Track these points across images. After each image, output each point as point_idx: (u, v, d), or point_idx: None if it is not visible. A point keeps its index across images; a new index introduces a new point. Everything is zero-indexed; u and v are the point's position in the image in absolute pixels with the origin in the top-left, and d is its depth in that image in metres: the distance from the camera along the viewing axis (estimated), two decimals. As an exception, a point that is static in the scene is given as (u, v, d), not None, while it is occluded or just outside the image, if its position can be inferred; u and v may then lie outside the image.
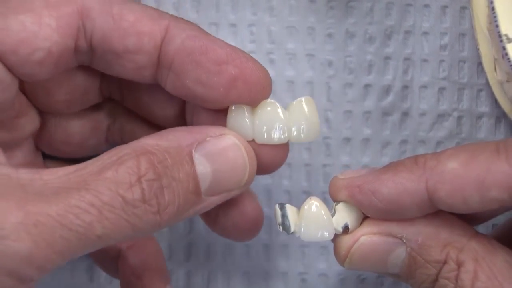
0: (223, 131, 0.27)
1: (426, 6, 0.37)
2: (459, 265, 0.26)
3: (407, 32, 0.37)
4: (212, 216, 0.30)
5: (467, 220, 0.28)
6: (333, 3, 0.37)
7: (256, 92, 0.27)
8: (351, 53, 0.37)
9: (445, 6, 0.37)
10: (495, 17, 0.33)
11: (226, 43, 0.27)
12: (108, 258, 0.32)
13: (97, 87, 0.30)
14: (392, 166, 0.27)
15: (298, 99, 0.28)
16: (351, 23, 0.37)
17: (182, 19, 0.27)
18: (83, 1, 0.26)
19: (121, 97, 0.31)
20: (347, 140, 0.37)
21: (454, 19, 0.37)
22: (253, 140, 0.28)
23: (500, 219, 0.32)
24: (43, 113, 0.30)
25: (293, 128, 0.28)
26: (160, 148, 0.25)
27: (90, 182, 0.24)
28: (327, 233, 0.28)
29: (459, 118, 0.37)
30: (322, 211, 0.28)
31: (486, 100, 0.37)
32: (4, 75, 0.26)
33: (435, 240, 0.27)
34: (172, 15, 0.27)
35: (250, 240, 0.31)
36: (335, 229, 0.28)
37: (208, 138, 0.26)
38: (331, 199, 0.29)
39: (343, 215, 0.28)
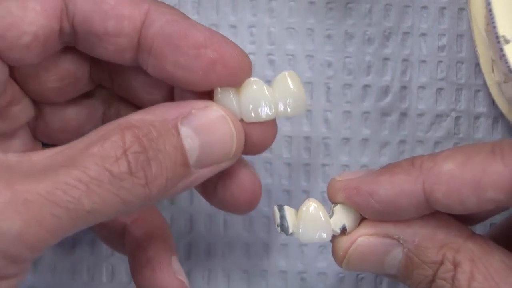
0: (208, 104, 0.27)
1: (424, 7, 0.37)
2: (456, 265, 0.26)
3: (405, 33, 0.37)
4: (210, 189, 0.30)
5: (464, 220, 0.28)
6: (332, 5, 0.37)
7: (236, 75, 0.27)
8: (350, 54, 0.37)
9: (443, 8, 0.37)
10: (492, 18, 0.33)
11: (206, 27, 0.27)
12: (114, 234, 0.32)
13: (87, 74, 0.30)
14: (389, 168, 0.27)
15: (281, 73, 0.28)
16: (350, 25, 0.37)
17: (163, 3, 0.28)
18: None
19: (111, 83, 0.31)
20: (346, 140, 0.37)
21: (452, 20, 0.37)
22: (242, 120, 0.28)
23: (497, 219, 0.32)
24: (38, 103, 0.30)
25: (279, 104, 0.28)
26: (145, 122, 0.25)
27: (77, 158, 0.24)
28: (325, 234, 0.28)
29: (457, 118, 0.37)
30: (320, 213, 0.28)
31: (484, 100, 0.37)
32: None
33: (431, 241, 0.27)
34: (153, 0, 0.27)
35: (249, 212, 0.30)
36: (333, 230, 0.28)
37: (193, 111, 0.26)
38: (329, 200, 0.29)
39: (341, 217, 0.28)
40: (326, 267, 0.37)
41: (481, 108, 0.37)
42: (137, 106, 0.31)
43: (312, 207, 0.28)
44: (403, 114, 0.37)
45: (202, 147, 0.26)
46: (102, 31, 0.27)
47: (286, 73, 0.28)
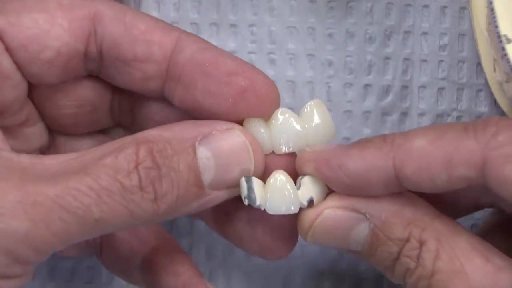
0: (230, 126, 0.27)
1: (426, 6, 0.37)
2: (421, 244, 0.26)
3: (406, 33, 0.37)
4: (248, 234, 0.30)
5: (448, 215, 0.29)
6: (333, 4, 0.37)
7: (266, 104, 0.27)
8: (351, 53, 0.37)
9: (445, 7, 0.37)
10: (494, 17, 0.33)
11: (236, 56, 0.27)
12: (132, 266, 0.31)
13: (107, 106, 0.30)
14: (360, 143, 0.27)
15: (308, 104, 0.28)
16: (351, 23, 0.37)
17: (192, 33, 0.28)
18: (96, 6, 0.26)
19: (130, 122, 0.30)
20: (347, 140, 0.37)
21: (454, 19, 0.37)
22: (272, 152, 0.28)
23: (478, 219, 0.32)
24: (52, 132, 0.30)
25: (309, 133, 0.28)
26: (162, 138, 0.25)
27: (90, 166, 0.24)
28: (293, 207, 0.28)
29: (458, 118, 0.37)
30: (288, 184, 0.28)
31: (485, 100, 0.37)
32: (14, 73, 0.26)
33: (398, 218, 0.26)
34: (182, 29, 0.27)
35: (283, 258, 0.30)
36: (300, 203, 0.28)
37: (214, 132, 0.26)
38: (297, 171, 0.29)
39: (308, 189, 0.28)
40: (327, 268, 0.37)
41: (483, 107, 0.37)
42: None
43: (279, 179, 0.28)
44: (404, 114, 0.37)
45: (218, 169, 0.26)
46: (131, 56, 0.27)
47: (312, 103, 0.28)
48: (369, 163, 0.26)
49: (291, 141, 0.28)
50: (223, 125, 0.27)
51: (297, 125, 0.28)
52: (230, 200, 0.28)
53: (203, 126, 0.26)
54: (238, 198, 0.28)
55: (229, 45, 0.37)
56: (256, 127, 0.28)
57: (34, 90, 0.28)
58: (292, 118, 0.28)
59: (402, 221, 0.26)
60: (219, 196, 0.27)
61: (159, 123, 0.29)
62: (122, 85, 0.28)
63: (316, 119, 0.28)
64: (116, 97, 0.30)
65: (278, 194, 0.28)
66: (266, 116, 0.28)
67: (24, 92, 0.27)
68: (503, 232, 0.30)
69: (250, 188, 0.27)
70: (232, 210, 0.30)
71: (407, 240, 0.26)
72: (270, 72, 0.37)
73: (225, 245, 0.37)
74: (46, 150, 0.30)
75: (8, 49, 0.25)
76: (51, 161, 0.24)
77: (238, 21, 0.37)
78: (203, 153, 0.26)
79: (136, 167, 0.24)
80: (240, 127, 0.27)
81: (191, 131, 0.26)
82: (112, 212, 0.24)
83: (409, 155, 0.25)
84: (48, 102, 0.29)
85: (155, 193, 0.24)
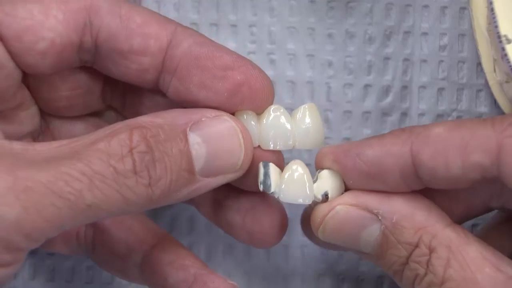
0: (219, 113, 0.27)
1: (426, 6, 0.37)
2: (431, 250, 0.26)
3: (406, 33, 0.37)
4: (238, 222, 0.30)
5: (458, 216, 0.28)
6: (333, 4, 0.37)
7: (260, 99, 0.27)
8: (351, 54, 0.37)
9: (445, 7, 0.37)
10: (494, 18, 0.33)
11: (232, 51, 0.27)
12: (131, 264, 0.31)
13: (99, 90, 0.30)
14: (379, 135, 0.28)
15: (302, 106, 0.29)
16: (351, 24, 0.37)
17: (188, 27, 0.28)
18: None
19: (122, 105, 0.31)
20: (347, 140, 0.37)
21: (454, 19, 0.37)
22: (258, 146, 0.28)
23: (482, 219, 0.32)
24: (46, 116, 0.30)
25: (297, 135, 0.28)
26: (154, 124, 0.25)
27: (82, 152, 0.24)
28: (307, 198, 0.28)
29: (458, 118, 0.37)
30: (305, 175, 0.28)
31: (485, 100, 0.37)
32: (7, 62, 0.26)
33: (409, 222, 0.27)
34: (178, 23, 0.28)
35: (271, 246, 0.31)
36: (315, 196, 0.28)
37: (203, 119, 0.26)
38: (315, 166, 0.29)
39: (324, 183, 0.28)
40: (327, 268, 0.37)
41: (483, 108, 0.37)
42: None
43: (297, 168, 0.28)
44: (404, 114, 0.37)
45: (209, 155, 0.26)
46: (127, 48, 0.27)
47: (307, 106, 0.29)
48: (386, 149, 0.26)
49: (278, 138, 0.28)
50: (212, 112, 0.27)
51: (287, 124, 0.28)
52: (221, 188, 0.28)
53: (193, 114, 0.26)
54: (228, 187, 0.28)
55: (229, 45, 0.37)
56: (247, 118, 0.28)
57: (29, 76, 0.28)
58: (283, 116, 0.28)
59: (413, 225, 0.26)
60: (209, 183, 0.27)
61: (150, 107, 0.29)
62: (117, 76, 0.28)
63: (307, 122, 0.28)
64: (108, 84, 0.30)
65: (293, 183, 0.28)
66: (260, 110, 0.28)
67: (18, 80, 0.27)
68: (508, 231, 0.30)
69: (266, 174, 0.28)
70: (222, 198, 0.30)
71: (417, 245, 0.26)
72: (270, 72, 0.37)
73: (225, 245, 0.37)
74: (39, 133, 0.30)
75: (2, 39, 0.26)
76: (43, 147, 0.24)
77: (238, 21, 0.37)
78: (194, 139, 0.26)
79: (130, 151, 0.24)
80: (229, 114, 0.27)
81: (182, 117, 0.26)
82: (105, 197, 0.23)
83: (426, 140, 0.26)
84: (42, 86, 0.29)
85: (149, 177, 0.24)
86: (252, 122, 0.28)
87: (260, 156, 0.28)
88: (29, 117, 0.29)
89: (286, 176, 0.28)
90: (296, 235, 0.37)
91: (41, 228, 0.23)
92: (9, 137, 0.29)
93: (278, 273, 0.37)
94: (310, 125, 0.28)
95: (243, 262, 0.37)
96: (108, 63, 0.27)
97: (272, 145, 0.28)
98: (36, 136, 0.31)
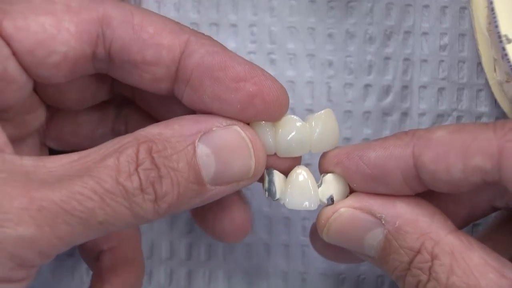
0: (230, 122, 0.27)
1: (426, 6, 0.37)
2: (433, 257, 0.26)
3: (406, 33, 0.37)
4: (203, 218, 0.31)
5: (464, 217, 0.28)
6: (334, 4, 0.37)
7: (274, 110, 0.27)
8: (351, 53, 0.37)
9: (445, 7, 0.37)
10: (494, 17, 0.33)
11: (245, 60, 0.27)
12: (91, 257, 0.32)
13: (109, 87, 0.30)
14: (382, 138, 0.28)
15: (319, 112, 0.29)
16: (351, 24, 0.37)
17: (202, 34, 0.28)
18: (104, 9, 0.26)
19: (132, 96, 0.31)
20: (347, 140, 0.37)
21: (454, 19, 0.37)
22: (275, 154, 0.28)
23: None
24: (52, 109, 0.30)
25: (313, 140, 0.28)
26: (162, 137, 0.25)
27: (93, 169, 0.24)
28: (312, 203, 0.28)
29: (459, 118, 0.37)
30: (309, 181, 0.28)
31: (486, 100, 0.37)
32: (19, 75, 0.26)
33: (412, 227, 0.27)
34: (193, 30, 0.27)
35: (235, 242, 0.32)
36: (320, 201, 0.28)
37: (214, 128, 0.26)
38: (319, 170, 0.29)
39: (329, 187, 0.28)
40: (327, 268, 0.37)
41: (483, 107, 0.37)
42: (150, 114, 0.31)
43: (301, 174, 0.28)
44: (404, 114, 0.37)
45: (218, 166, 0.26)
46: (140, 59, 0.27)
47: (323, 113, 0.29)
48: (389, 151, 0.26)
49: (294, 146, 0.28)
50: (223, 121, 0.27)
51: (303, 133, 0.28)
52: None
53: (203, 123, 0.26)
54: None
55: (229, 45, 0.37)
56: (262, 128, 0.28)
57: (39, 83, 0.28)
58: (299, 126, 0.28)
59: (415, 230, 0.26)
60: (221, 191, 0.27)
61: (160, 109, 0.29)
62: (132, 84, 0.28)
63: (324, 128, 0.28)
64: (118, 81, 0.30)
65: (298, 189, 0.28)
66: (275, 120, 0.28)
67: (30, 91, 0.27)
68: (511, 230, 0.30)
69: (270, 181, 0.28)
70: None
71: (419, 251, 0.26)
72: (270, 72, 0.36)
73: (225, 245, 0.37)
74: (45, 126, 0.30)
75: (15, 53, 0.26)
76: (54, 164, 0.24)
77: (238, 21, 0.37)
78: (203, 150, 0.26)
79: (136, 169, 0.24)
80: (241, 123, 0.27)
81: (191, 128, 0.26)
82: (116, 214, 0.24)
83: (428, 144, 0.26)
84: (52, 92, 0.29)
85: (155, 193, 0.25)
86: (267, 131, 0.28)
87: (277, 164, 0.28)
88: (36, 117, 0.29)
89: (291, 183, 0.28)
90: (296, 235, 0.37)
91: (54, 245, 0.23)
92: (17, 139, 0.29)
93: (278, 273, 0.37)
94: (326, 131, 0.28)
95: (243, 262, 0.37)
96: (122, 72, 0.27)
97: (288, 153, 0.28)
98: (42, 131, 0.31)
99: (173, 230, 0.37)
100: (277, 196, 0.28)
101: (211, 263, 0.37)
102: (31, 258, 0.23)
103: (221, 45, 0.28)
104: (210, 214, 0.31)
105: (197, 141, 0.26)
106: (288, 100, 0.28)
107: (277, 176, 0.28)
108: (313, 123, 0.28)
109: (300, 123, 0.28)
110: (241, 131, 0.27)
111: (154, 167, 0.25)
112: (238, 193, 0.30)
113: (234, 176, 0.27)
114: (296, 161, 0.29)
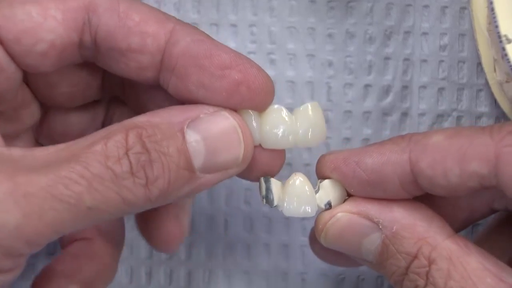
0: (217, 109, 0.27)
1: (426, 6, 0.37)
2: (431, 262, 0.26)
3: (406, 33, 0.37)
4: (144, 224, 0.31)
5: (463, 219, 0.28)
6: (333, 4, 0.37)
7: (259, 98, 0.27)
8: (351, 54, 0.37)
9: (445, 7, 0.37)
10: (494, 17, 0.33)
11: (231, 49, 0.27)
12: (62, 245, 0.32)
13: (99, 83, 0.30)
14: (379, 142, 0.28)
15: (305, 104, 0.28)
16: (351, 24, 0.37)
17: (188, 24, 0.28)
18: None
19: (122, 94, 0.31)
20: (347, 140, 0.37)
21: (454, 19, 0.37)
22: (259, 145, 0.28)
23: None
24: (44, 106, 0.30)
25: (299, 133, 0.28)
26: (150, 124, 0.25)
27: (80, 154, 0.24)
28: (310, 209, 0.28)
29: (459, 118, 0.37)
30: (306, 187, 0.28)
31: (486, 100, 0.37)
32: (8, 64, 0.26)
33: (409, 232, 0.26)
34: (178, 20, 0.27)
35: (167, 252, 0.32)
36: (318, 206, 0.28)
37: (201, 115, 0.26)
38: (316, 175, 0.29)
39: (327, 192, 0.28)
40: (327, 268, 0.37)
41: (483, 108, 0.37)
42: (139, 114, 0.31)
43: (298, 181, 0.28)
44: (404, 114, 0.37)
45: (208, 152, 0.26)
46: (125, 47, 0.27)
47: (309, 105, 0.28)
48: (385, 157, 0.26)
49: (280, 138, 0.28)
50: (210, 108, 0.27)
51: (289, 124, 0.28)
52: None
53: (191, 110, 0.26)
54: None
55: (229, 45, 0.36)
56: (248, 117, 0.28)
57: (29, 76, 0.28)
58: (285, 116, 0.28)
59: (412, 235, 0.26)
60: (211, 179, 0.26)
61: (148, 103, 0.29)
62: (117, 73, 0.28)
63: (310, 120, 0.28)
64: (108, 78, 0.30)
65: (296, 196, 0.28)
66: (260, 109, 0.28)
67: (19, 81, 0.27)
68: (510, 232, 0.30)
69: (268, 189, 0.28)
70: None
71: (416, 256, 0.26)
72: (270, 72, 0.36)
73: (225, 245, 0.37)
74: (38, 125, 0.30)
75: (1, 42, 0.26)
76: (41, 152, 0.24)
77: (238, 21, 0.37)
78: (192, 136, 0.26)
79: (126, 153, 0.24)
80: (228, 109, 0.27)
81: (179, 115, 0.26)
82: (105, 199, 0.23)
83: (425, 149, 0.26)
84: (43, 84, 0.29)
85: (146, 177, 0.24)
86: (252, 121, 0.28)
87: (261, 155, 0.28)
88: (30, 114, 0.29)
89: (288, 190, 0.28)
90: (296, 235, 0.37)
91: (42, 233, 0.23)
92: (11, 135, 0.29)
93: (278, 273, 0.37)
94: (313, 124, 0.28)
95: (243, 262, 0.37)
96: (108, 60, 0.27)
97: (273, 144, 0.28)
98: (35, 129, 0.31)
99: (173, 230, 0.37)
100: (275, 203, 0.28)
101: (211, 263, 0.37)
102: (17, 246, 0.22)
103: (207, 34, 0.28)
104: (148, 222, 0.31)
105: (185, 127, 0.26)
106: (273, 89, 0.28)
107: (274, 184, 0.28)
108: (298, 116, 0.28)
109: (286, 113, 0.28)
110: (229, 116, 0.27)
111: (145, 151, 0.24)
112: (177, 204, 0.30)
113: (224, 162, 0.26)
114: (280, 154, 0.29)
